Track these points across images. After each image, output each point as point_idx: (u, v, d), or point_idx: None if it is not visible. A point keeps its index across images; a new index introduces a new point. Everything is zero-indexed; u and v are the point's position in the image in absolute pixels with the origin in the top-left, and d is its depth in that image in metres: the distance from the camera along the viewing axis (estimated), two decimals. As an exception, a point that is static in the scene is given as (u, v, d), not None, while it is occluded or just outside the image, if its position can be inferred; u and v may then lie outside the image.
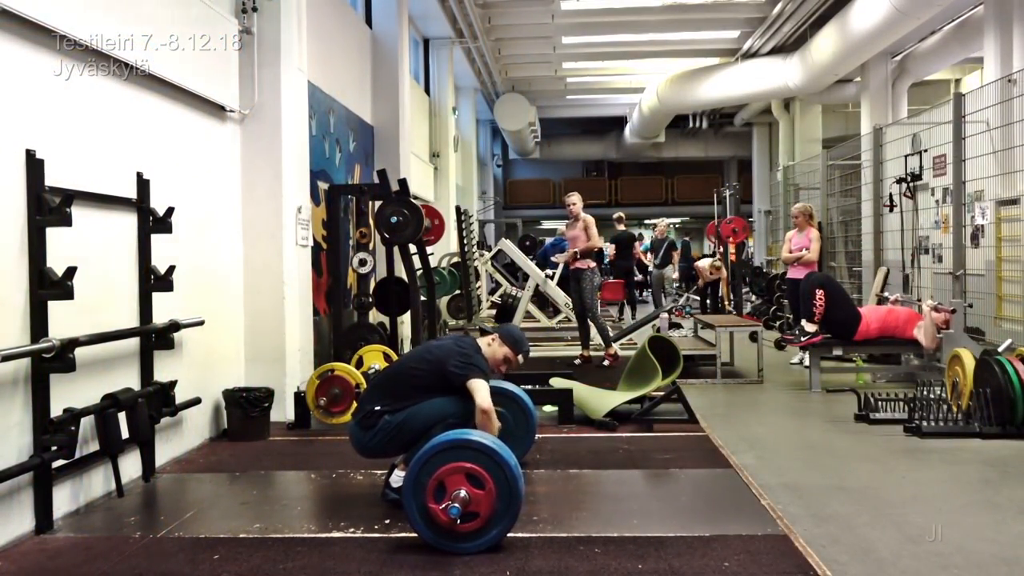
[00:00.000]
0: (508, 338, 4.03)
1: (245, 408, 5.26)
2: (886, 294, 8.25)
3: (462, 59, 15.26)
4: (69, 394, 3.79)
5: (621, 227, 13.50)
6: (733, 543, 3.32)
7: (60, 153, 3.79)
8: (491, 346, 4.01)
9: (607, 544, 3.33)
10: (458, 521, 3.20)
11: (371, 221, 6.68)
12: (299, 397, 5.63)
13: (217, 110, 5.42)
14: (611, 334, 8.62)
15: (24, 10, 3.51)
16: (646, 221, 14.05)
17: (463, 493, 3.22)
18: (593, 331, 9.12)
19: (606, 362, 8.14)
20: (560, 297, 11.06)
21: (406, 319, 7.05)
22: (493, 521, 3.27)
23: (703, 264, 14.11)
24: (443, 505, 3.21)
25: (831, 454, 4.89)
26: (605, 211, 27.47)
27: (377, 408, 3.79)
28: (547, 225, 27.17)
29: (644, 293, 15.00)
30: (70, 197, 3.62)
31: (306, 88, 6.46)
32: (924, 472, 4.47)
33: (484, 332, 4.13)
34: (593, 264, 8.32)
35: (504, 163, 26.51)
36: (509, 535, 3.40)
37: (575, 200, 8.37)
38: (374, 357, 5.90)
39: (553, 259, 8.61)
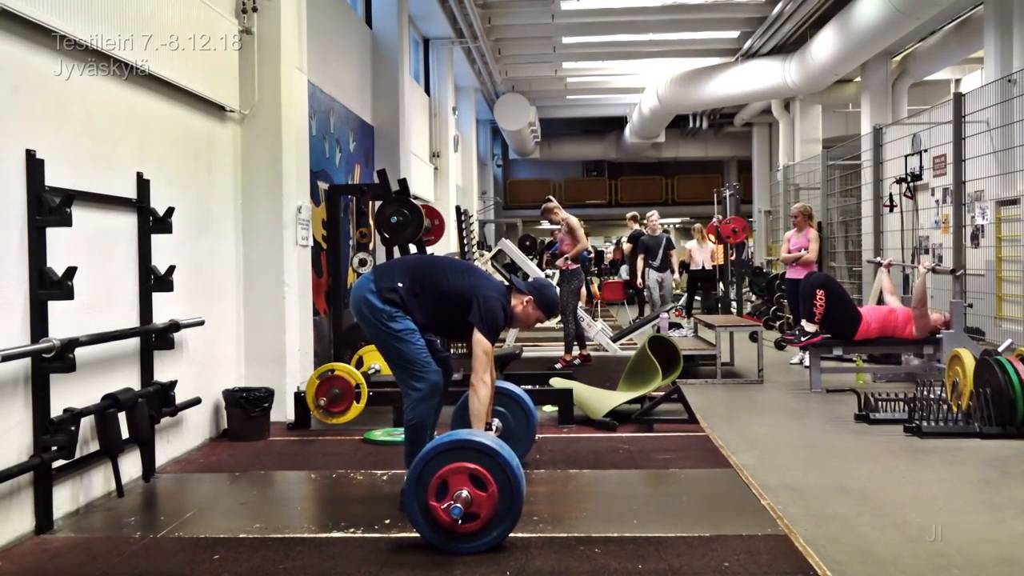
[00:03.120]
0: (543, 304, 3.95)
1: (245, 408, 5.25)
2: (879, 259, 8.16)
3: (462, 59, 15.26)
4: (69, 394, 3.78)
5: (636, 226, 13.34)
6: (733, 543, 3.32)
7: (60, 153, 3.79)
8: (524, 308, 3.92)
9: (607, 544, 3.33)
10: (459, 521, 3.20)
11: (371, 221, 6.67)
12: (299, 397, 5.62)
13: (217, 110, 5.42)
14: (586, 339, 8.55)
15: (24, 10, 3.51)
16: (644, 221, 13.75)
17: (465, 493, 3.22)
18: (592, 331, 9.12)
19: (558, 364, 8.03)
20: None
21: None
22: (494, 522, 3.27)
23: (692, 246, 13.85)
24: (445, 505, 3.21)
25: (831, 454, 4.89)
26: (605, 211, 27.62)
27: (399, 284, 3.76)
28: (547, 225, 27.14)
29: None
30: (70, 197, 3.62)
31: (306, 88, 6.46)
32: (924, 472, 4.47)
33: (518, 290, 3.96)
34: (574, 265, 8.29)
35: (504, 163, 26.52)
36: (509, 535, 3.40)
37: (551, 207, 8.39)
38: (374, 357, 5.90)
39: (557, 264, 8.58)
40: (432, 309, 3.81)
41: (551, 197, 8.69)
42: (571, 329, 8.29)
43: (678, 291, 15.10)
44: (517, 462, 3.34)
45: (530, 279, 4.11)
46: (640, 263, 11.54)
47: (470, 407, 3.68)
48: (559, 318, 8.60)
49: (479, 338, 3.70)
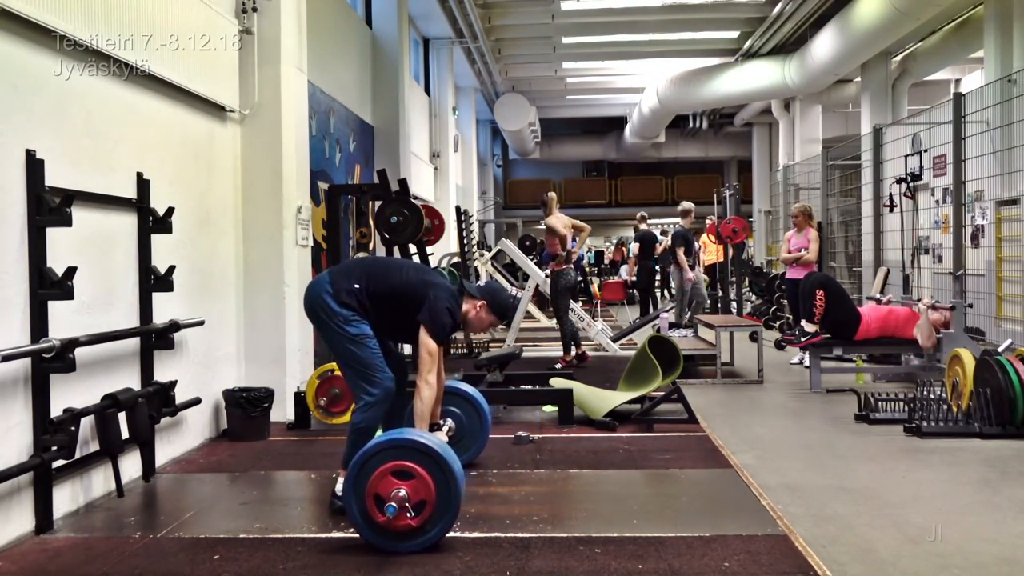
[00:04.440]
0: (496, 307, 3.97)
1: (245, 408, 5.25)
2: (879, 295, 8.24)
3: (462, 59, 15.27)
4: (69, 394, 3.79)
5: (643, 226, 13.37)
6: (733, 543, 3.32)
7: (60, 153, 3.79)
8: (478, 313, 3.94)
9: (607, 544, 3.33)
10: (396, 520, 3.19)
11: (371, 221, 6.68)
12: (299, 397, 5.63)
13: (217, 110, 5.42)
14: (579, 339, 8.48)
15: (24, 10, 3.51)
16: (649, 221, 13.59)
17: (402, 492, 3.21)
18: (592, 331, 9.11)
19: (558, 364, 8.00)
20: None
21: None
22: (432, 521, 3.26)
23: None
24: (381, 504, 3.21)
25: (831, 454, 4.89)
26: (605, 211, 27.63)
27: (356, 286, 3.77)
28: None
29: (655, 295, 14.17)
30: (70, 197, 3.62)
31: (306, 88, 6.46)
32: (924, 472, 4.47)
33: (470, 295, 3.97)
34: (562, 266, 8.23)
35: (504, 163, 26.54)
36: (509, 534, 3.41)
37: (547, 200, 8.31)
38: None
39: (550, 266, 8.49)
40: (388, 310, 3.82)
41: (552, 192, 8.63)
42: (568, 329, 8.28)
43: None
44: (455, 459, 3.34)
45: (483, 284, 4.12)
46: (683, 257, 10.31)
47: (414, 408, 3.70)
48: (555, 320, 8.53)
49: (425, 339, 3.71)
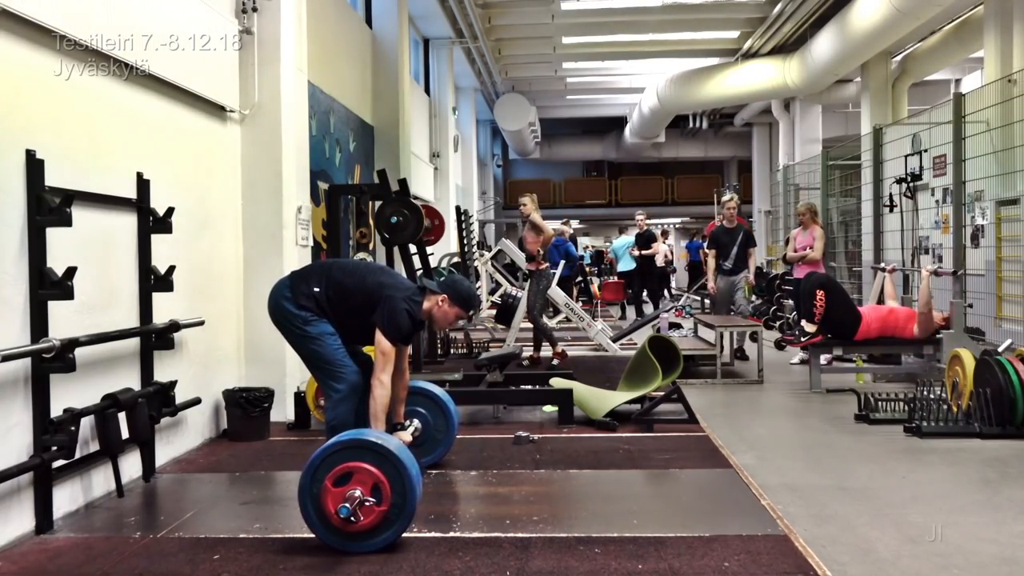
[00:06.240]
0: (458, 299, 3.97)
1: (245, 408, 5.25)
2: (882, 265, 8.19)
3: (462, 59, 15.27)
4: (69, 394, 3.78)
5: (645, 226, 13.50)
6: (733, 543, 3.32)
7: (60, 153, 3.79)
8: (441, 307, 3.94)
9: (607, 544, 3.33)
10: (350, 521, 3.20)
11: (371, 221, 6.67)
12: (299, 397, 5.63)
13: (217, 110, 5.42)
14: (555, 336, 8.44)
15: (24, 10, 3.51)
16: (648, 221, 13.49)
17: (357, 493, 3.22)
18: (592, 331, 9.09)
19: (555, 361, 8.02)
20: (560, 297, 11.04)
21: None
22: (387, 522, 3.26)
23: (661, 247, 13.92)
24: (335, 506, 3.21)
25: (831, 454, 4.89)
26: (605, 211, 27.63)
27: (316, 290, 3.83)
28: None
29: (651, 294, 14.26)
30: (70, 197, 3.62)
31: (306, 88, 6.46)
32: (924, 472, 4.47)
33: (431, 291, 3.95)
34: (543, 265, 8.20)
35: (504, 163, 26.54)
36: (509, 534, 3.41)
37: (525, 201, 8.23)
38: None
39: (528, 267, 8.25)
40: (348, 314, 3.85)
41: (529, 194, 8.39)
42: (544, 325, 8.28)
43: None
44: (411, 459, 3.34)
45: (443, 278, 4.11)
46: (711, 263, 9.11)
47: (369, 407, 3.72)
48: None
49: (379, 338, 3.74)
